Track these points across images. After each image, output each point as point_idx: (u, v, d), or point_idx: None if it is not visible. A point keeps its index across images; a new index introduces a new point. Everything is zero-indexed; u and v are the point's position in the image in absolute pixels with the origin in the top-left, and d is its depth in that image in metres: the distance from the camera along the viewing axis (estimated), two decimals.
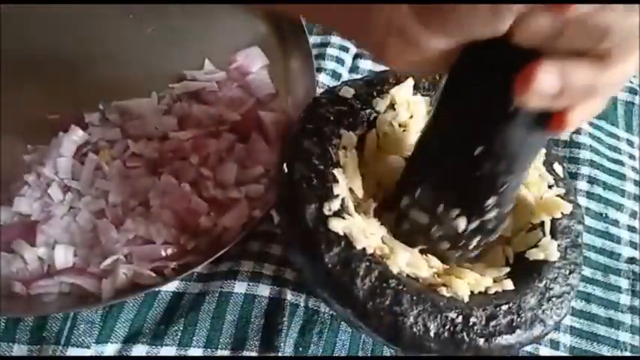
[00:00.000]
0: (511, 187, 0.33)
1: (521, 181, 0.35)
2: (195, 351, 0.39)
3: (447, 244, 0.36)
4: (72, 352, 0.38)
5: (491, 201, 0.33)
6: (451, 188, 0.33)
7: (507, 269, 0.38)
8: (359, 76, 0.46)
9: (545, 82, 0.24)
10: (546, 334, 0.36)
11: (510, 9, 0.22)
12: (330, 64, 0.54)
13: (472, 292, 0.35)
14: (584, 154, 0.53)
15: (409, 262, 0.35)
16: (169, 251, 0.42)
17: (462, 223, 0.34)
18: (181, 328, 0.40)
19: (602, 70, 0.24)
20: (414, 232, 0.36)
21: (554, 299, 0.36)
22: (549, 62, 0.24)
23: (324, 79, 0.53)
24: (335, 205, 0.34)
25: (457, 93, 0.30)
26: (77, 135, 0.46)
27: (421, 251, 0.37)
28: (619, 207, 0.52)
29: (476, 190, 0.33)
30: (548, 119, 0.27)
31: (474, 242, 0.36)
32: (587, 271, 0.48)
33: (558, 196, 0.40)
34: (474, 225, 0.34)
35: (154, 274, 0.40)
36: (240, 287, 0.41)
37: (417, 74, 0.42)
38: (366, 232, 0.34)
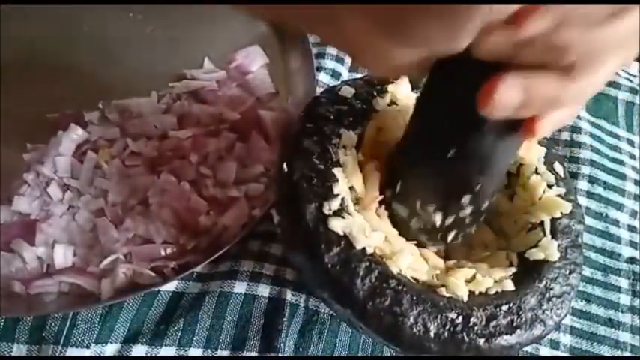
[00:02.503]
0: (487, 187, 0.34)
1: (499, 180, 0.36)
2: (195, 351, 0.39)
3: (425, 236, 0.37)
4: (71, 351, 0.38)
5: (466, 199, 0.34)
6: (427, 186, 0.34)
7: (513, 269, 0.37)
8: (359, 75, 0.46)
9: (507, 95, 0.24)
10: (546, 334, 0.36)
11: (465, 29, 0.22)
12: (330, 63, 0.54)
13: (472, 293, 0.35)
14: (585, 154, 0.53)
15: (409, 263, 0.35)
16: (169, 251, 0.42)
17: (438, 219, 0.35)
18: (181, 328, 0.40)
19: (568, 83, 0.24)
20: (397, 223, 0.37)
21: (554, 299, 0.36)
22: (512, 75, 0.23)
23: (324, 78, 0.53)
24: (335, 204, 0.34)
25: (430, 97, 0.31)
26: (77, 134, 0.46)
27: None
28: (619, 207, 0.52)
29: (450, 189, 0.34)
30: (518, 126, 0.27)
31: (451, 236, 0.37)
32: (587, 271, 0.48)
33: (558, 195, 0.40)
34: (450, 220, 0.35)
35: (153, 274, 0.40)
36: (240, 287, 0.41)
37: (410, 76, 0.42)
38: (367, 231, 0.34)
